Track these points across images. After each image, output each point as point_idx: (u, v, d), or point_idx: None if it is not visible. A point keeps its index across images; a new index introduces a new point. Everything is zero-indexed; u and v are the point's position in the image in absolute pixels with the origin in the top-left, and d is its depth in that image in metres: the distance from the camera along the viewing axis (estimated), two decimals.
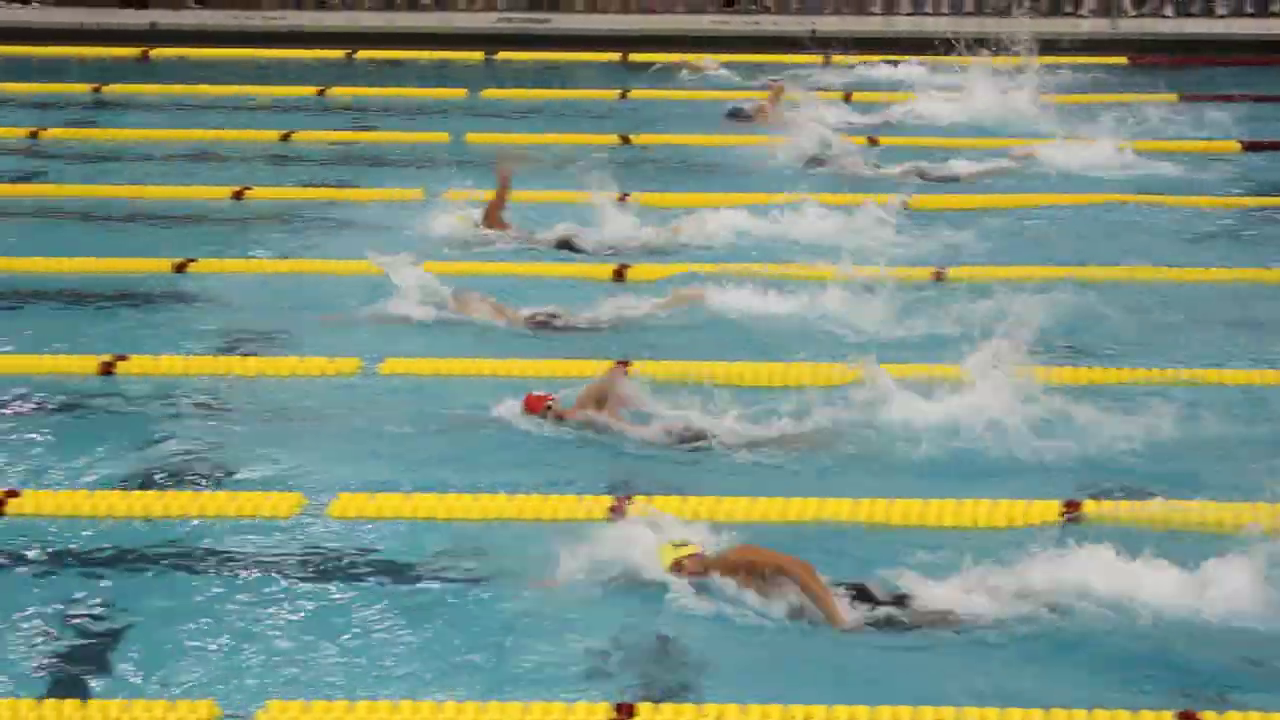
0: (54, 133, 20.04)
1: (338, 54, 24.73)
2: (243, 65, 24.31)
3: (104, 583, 9.29)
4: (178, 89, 22.76)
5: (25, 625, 8.87)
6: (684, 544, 9.00)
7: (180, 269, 14.64)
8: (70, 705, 7.93)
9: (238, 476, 10.58)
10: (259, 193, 17.15)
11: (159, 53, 25.15)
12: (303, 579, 9.27)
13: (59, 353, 12.65)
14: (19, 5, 27.39)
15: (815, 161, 18.10)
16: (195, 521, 9.93)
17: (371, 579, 9.27)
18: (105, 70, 23.97)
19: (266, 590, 9.16)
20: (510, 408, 11.21)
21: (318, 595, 9.13)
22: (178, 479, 10.50)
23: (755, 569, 8.76)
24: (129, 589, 9.24)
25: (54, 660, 8.55)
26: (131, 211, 16.46)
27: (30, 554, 9.60)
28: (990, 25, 24.24)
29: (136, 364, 12.36)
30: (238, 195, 17.02)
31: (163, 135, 20.02)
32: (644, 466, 10.70)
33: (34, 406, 11.78)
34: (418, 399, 11.80)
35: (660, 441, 10.90)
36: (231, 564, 9.45)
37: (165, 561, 9.48)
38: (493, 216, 15.41)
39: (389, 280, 13.36)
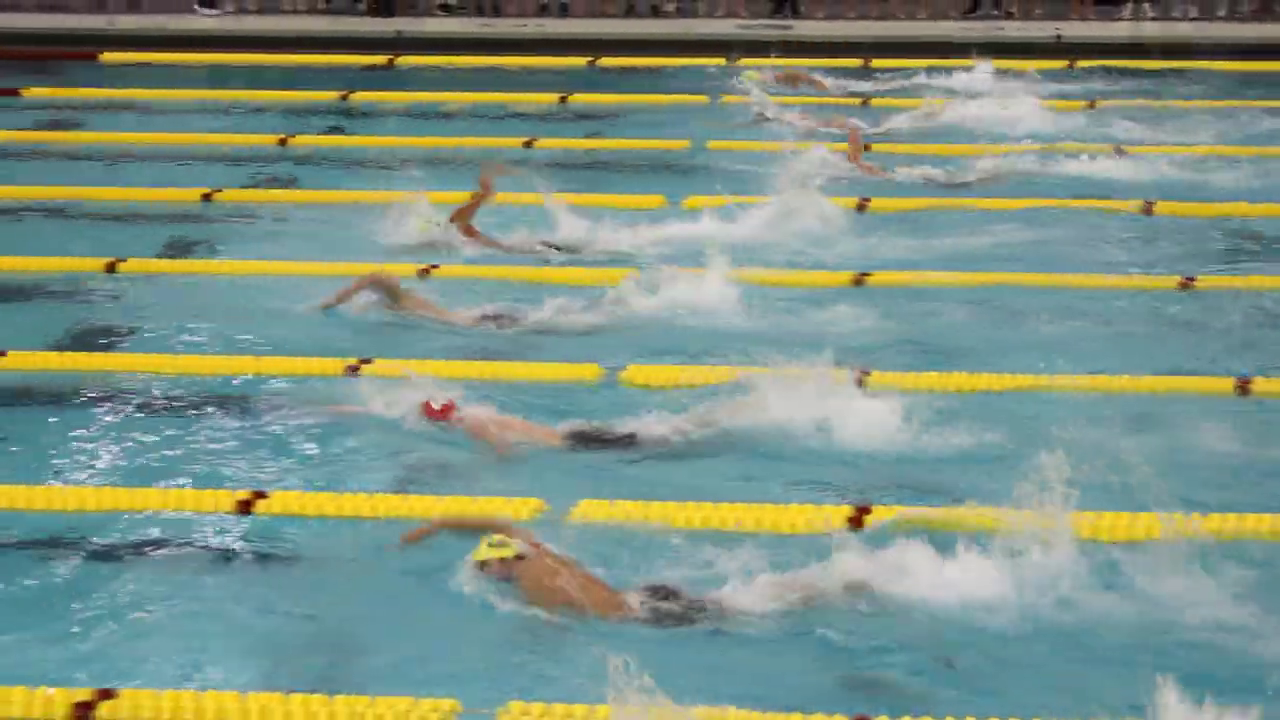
0: (302, 139, 20.45)
1: (580, 61, 24.92)
2: (486, 72, 24.57)
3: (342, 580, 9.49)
4: (422, 96, 23.10)
5: (276, 619, 9.10)
6: (504, 544, 8.97)
7: (424, 274, 14.85)
8: (317, 700, 8.06)
9: None
10: (501, 199, 17.29)
11: (404, 60, 25.56)
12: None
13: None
14: (261, 14, 28.01)
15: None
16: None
17: None
18: (353, 78, 24.41)
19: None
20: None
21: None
22: None
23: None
24: (372, 587, 9.42)
25: (300, 654, 8.73)
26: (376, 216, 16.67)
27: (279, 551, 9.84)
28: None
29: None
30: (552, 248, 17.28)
31: (407, 142, 20.32)
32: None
33: None
34: None
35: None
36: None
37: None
38: (462, 220, 15.59)
39: None
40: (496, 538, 8.99)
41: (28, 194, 17.77)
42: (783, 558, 9.26)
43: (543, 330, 13.38)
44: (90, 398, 12.12)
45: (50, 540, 9.93)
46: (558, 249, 15.44)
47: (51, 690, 8.16)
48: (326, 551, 9.77)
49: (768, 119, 20.46)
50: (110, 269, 15.06)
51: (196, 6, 28.64)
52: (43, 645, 8.81)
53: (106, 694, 8.17)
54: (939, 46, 24.98)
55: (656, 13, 28.81)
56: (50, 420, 11.88)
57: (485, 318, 13.59)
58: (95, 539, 9.93)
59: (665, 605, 8.82)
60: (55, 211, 17.09)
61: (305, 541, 9.88)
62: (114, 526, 10.07)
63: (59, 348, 13.18)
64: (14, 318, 14.06)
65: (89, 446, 11.36)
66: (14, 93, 23.16)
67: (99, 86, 23.86)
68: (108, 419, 11.77)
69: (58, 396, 12.19)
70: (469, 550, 9.08)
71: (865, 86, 22.91)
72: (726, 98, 22.07)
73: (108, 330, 13.74)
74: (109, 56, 25.73)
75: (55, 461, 11.14)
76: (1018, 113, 20.71)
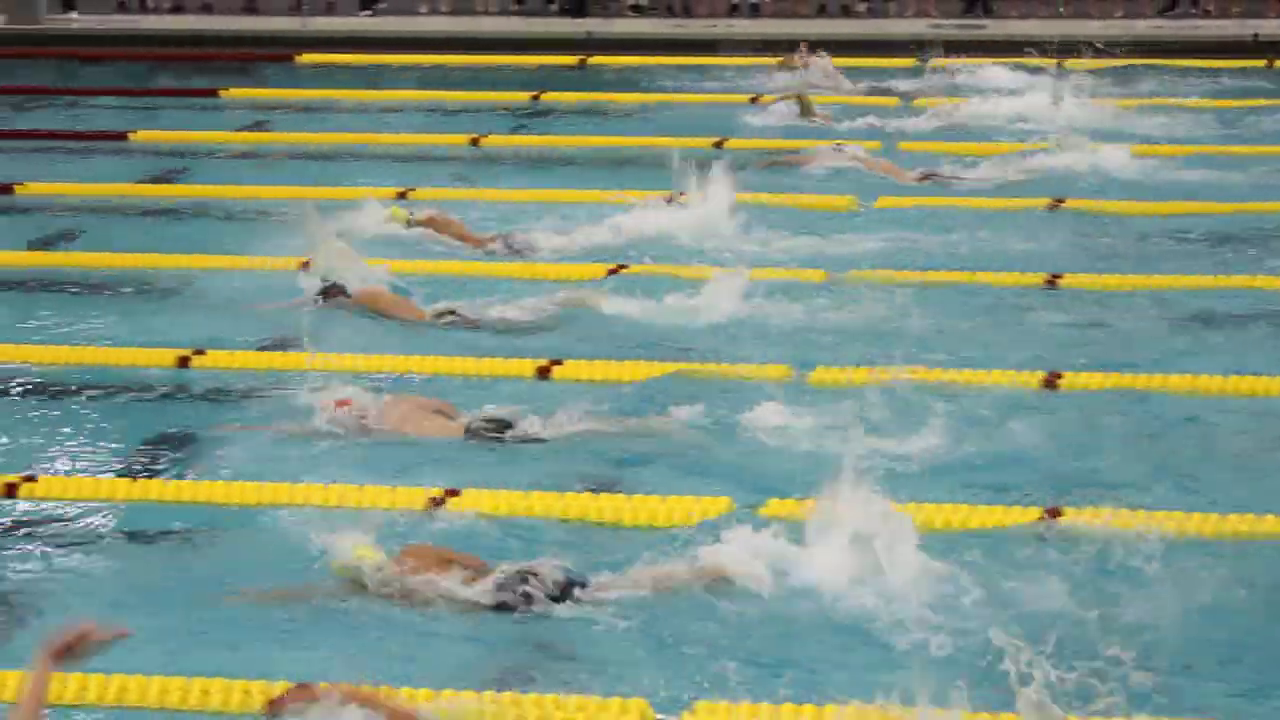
0: (494, 140, 20.61)
1: (770, 61, 24.76)
2: (676, 72, 24.61)
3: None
4: (613, 97, 23.21)
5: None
6: (364, 548, 9.15)
7: (613, 272, 14.92)
8: (506, 698, 8.12)
9: None
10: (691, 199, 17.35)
11: (595, 60, 25.69)
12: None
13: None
14: (454, 15, 28.28)
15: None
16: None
17: None
18: (544, 78, 24.57)
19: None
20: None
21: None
22: None
23: None
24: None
25: (490, 656, 8.76)
26: (565, 216, 16.76)
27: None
28: None
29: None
30: (669, 200, 17.25)
31: (597, 141, 20.42)
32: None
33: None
34: None
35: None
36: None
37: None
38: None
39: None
40: (364, 543, 9.20)
41: (226, 193, 18.10)
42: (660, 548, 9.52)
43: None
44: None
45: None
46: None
47: (249, 684, 8.31)
48: None
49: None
50: (305, 267, 15.30)
51: (360, 11, 29.06)
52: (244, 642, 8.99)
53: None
54: (1139, 46, 24.64)
55: (847, 13, 28.72)
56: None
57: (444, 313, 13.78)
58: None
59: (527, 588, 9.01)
60: (251, 212, 17.37)
61: None
62: None
63: (260, 347, 13.39)
64: (211, 319, 14.28)
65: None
66: (213, 93, 23.60)
67: (295, 87, 24.25)
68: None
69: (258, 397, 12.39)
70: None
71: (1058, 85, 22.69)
72: (918, 100, 21.96)
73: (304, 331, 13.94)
74: (305, 58, 26.12)
75: None
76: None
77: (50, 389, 12.53)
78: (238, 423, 11.79)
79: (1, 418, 12.04)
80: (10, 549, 9.92)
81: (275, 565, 9.52)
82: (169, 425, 11.87)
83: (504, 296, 14.08)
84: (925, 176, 18.07)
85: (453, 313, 13.75)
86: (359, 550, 9.17)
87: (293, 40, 26.93)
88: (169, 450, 11.40)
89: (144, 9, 29.90)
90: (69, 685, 8.08)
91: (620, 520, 10.16)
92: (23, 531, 10.16)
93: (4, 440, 11.62)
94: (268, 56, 26.45)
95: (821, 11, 28.57)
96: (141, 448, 11.44)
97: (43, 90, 24.66)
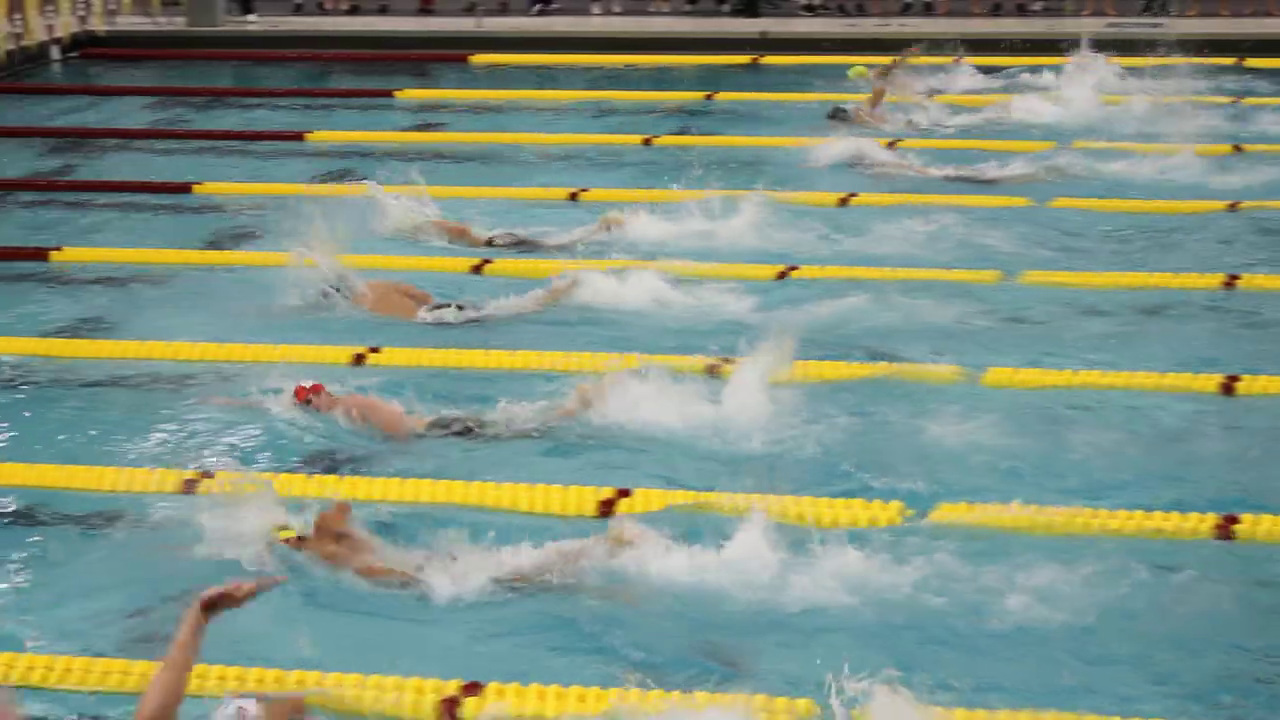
0: (667, 139, 20.60)
1: (946, 60, 24.59)
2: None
3: None
4: (786, 96, 23.10)
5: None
6: (286, 528, 9.65)
7: (782, 275, 14.86)
8: (678, 696, 8.19)
9: None
10: (864, 199, 17.27)
11: (769, 60, 25.62)
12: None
13: None
14: (627, 16, 28.32)
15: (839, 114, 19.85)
16: None
17: None
18: (717, 77, 24.53)
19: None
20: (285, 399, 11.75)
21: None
22: None
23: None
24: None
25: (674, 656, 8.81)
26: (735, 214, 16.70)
27: None
28: None
29: None
30: (843, 202, 17.17)
31: (771, 142, 20.34)
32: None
33: None
34: None
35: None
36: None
37: None
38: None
39: None
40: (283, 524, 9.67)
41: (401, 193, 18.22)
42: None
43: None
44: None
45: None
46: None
47: (421, 682, 8.36)
48: None
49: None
50: (476, 270, 15.39)
51: (532, 12, 29.18)
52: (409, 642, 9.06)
53: (472, 689, 8.33)
54: None
55: (1023, 11, 28.41)
56: None
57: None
58: None
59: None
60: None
61: None
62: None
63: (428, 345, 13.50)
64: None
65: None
66: (388, 94, 23.79)
67: (468, 88, 24.39)
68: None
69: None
70: None
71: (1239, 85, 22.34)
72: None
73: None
74: (478, 58, 26.26)
75: None
76: None
77: None
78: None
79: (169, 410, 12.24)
80: None
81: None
82: None
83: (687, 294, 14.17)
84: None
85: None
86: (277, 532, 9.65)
87: (466, 41, 27.10)
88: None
89: (321, 11, 30.23)
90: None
91: None
92: None
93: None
94: (441, 57, 26.64)
95: (996, 10, 28.29)
96: None
97: (221, 91, 25.02)
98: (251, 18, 29.17)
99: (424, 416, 11.68)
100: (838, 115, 20.67)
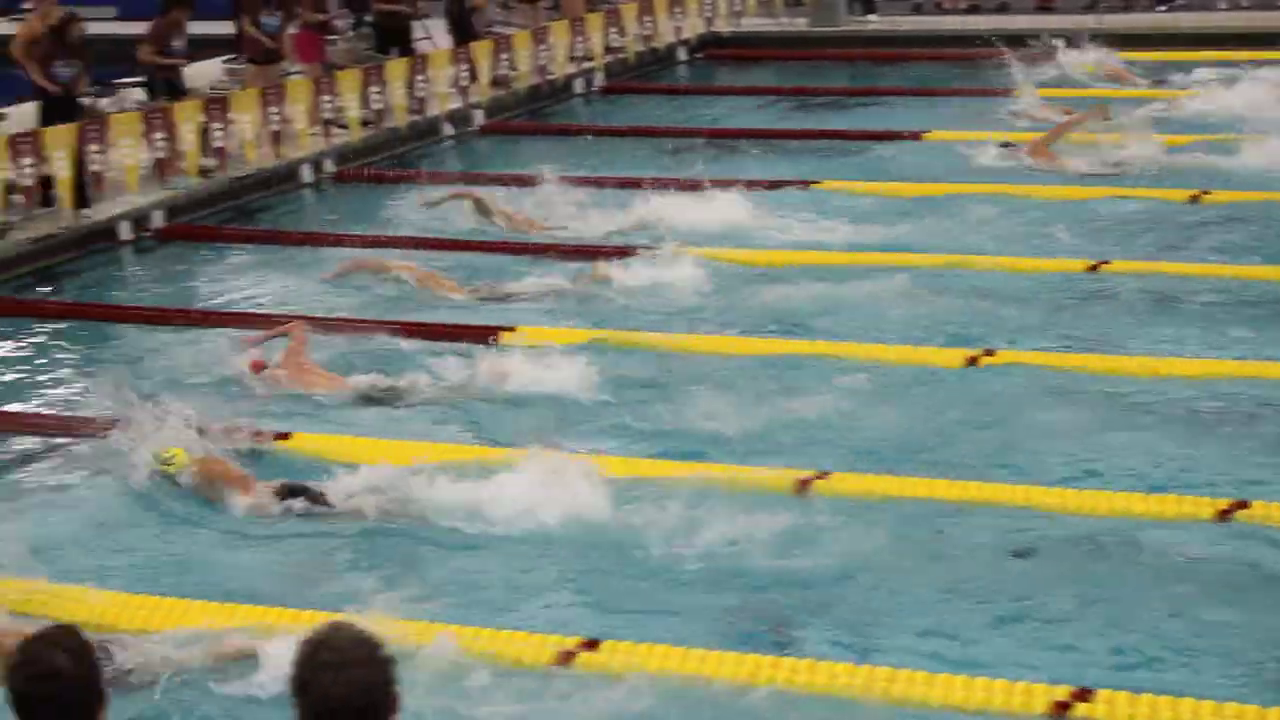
0: None
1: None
2: None
3: None
4: None
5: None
6: (169, 462, 11.35)
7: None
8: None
9: None
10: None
11: None
12: None
13: None
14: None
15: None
16: None
17: None
18: None
19: None
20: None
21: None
22: None
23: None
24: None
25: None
26: None
27: None
28: None
29: None
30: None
31: None
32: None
33: None
34: None
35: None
36: None
37: None
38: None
39: None
40: (164, 454, 11.39)
41: (1014, 191, 18.31)
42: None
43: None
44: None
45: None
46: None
47: (1031, 685, 8.43)
48: None
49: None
50: (1092, 269, 15.33)
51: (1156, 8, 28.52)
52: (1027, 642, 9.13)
53: (1083, 694, 8.34)
54: None
55: None
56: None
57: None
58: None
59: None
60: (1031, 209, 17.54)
61: None
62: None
63: (1046, 348, 13.53)
64: (1013, 316, 14.50)
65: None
66: (1006, 93, 23.66)
67: (1090, 88, 23.95)
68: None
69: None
70: None
71: None
72: None
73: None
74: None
75: None
76: None
77: None
78: None
79: None
80: None
81: None
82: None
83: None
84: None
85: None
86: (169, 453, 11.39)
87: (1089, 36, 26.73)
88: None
89: (939, 10, 30.38)
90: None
91: None
92: None
93: None
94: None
95: None
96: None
97: (839, 91, 25.40)
98: (873, 18, 29.55)
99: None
100: (1007, 147, 19.89)
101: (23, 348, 15.01)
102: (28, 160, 17.38)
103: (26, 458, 12.50)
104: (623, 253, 16.25)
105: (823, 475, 10.98)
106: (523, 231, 17.42)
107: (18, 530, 10.68)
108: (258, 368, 13.49)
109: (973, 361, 13.07)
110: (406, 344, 14.00)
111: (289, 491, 11.09)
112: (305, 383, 13.27)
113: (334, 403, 13.03)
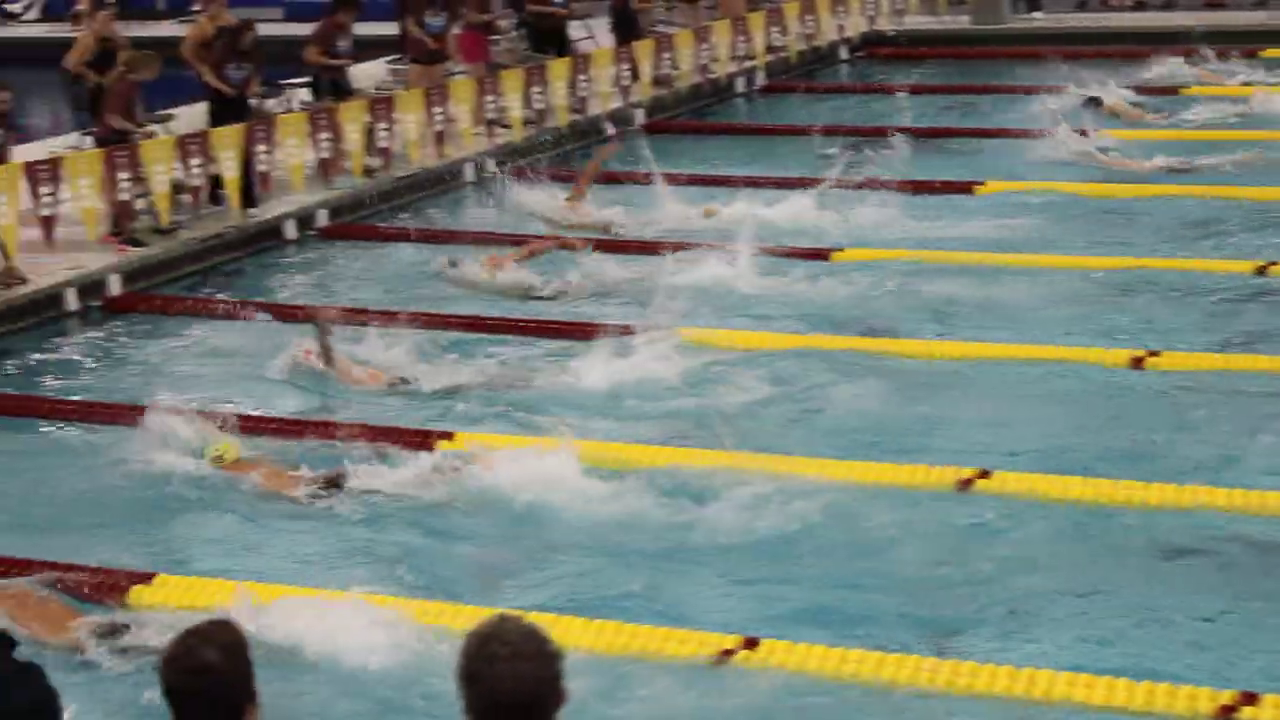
0: None
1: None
2: None
3: None
4: None
5: None
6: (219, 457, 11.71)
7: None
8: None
9: None
10: None
11: None
12: None
13: None
14: None
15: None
16: None
17: None
18: None
19: None
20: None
21: None
22: None
23: None
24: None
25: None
26: None
27: None
28: None
29: None
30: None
31: None
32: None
33: None
34: None
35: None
36: None
37: None
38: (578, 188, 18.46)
39: None
40: (213, 449, 11.76)
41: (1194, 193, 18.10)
42: None
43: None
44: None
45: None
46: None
47: (1195, 689, 8.33)
48: None
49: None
50: (1260, 271, 15.11)
51: None
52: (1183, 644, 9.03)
53: (1250, 698, 8.23)
54: None
55: None
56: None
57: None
58: None
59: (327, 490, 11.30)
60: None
61: None
62: None
63: (1214, 348, 13.38)
64: (1176, 317, 14.35)
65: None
66: (1173, 92, 23.38)
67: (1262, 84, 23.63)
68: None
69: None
70: None
71: None
72: None
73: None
74: (1270, 52, 25.45)
75: None
76: None
77: None
78: None
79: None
80: None
81: None
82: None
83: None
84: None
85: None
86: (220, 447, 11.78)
87: (1255, 35, 26.37)
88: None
89: (1105, 7, 30.06)
90: None
91: None
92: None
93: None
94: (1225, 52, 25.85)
95: None
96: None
97: (1000, 89, 25.20)
98: (1038, 15, 29.27)
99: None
100: (1091, 103, 20.62)
101: (185, 344, 15.20)
102: (196, 160, 17.64)
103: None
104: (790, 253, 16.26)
105: (985, 474, 10.90)
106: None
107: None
108: (305, 356, 13.79)
109: (1138, 363, 12.93)
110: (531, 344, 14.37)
111: (329, 482, 11.30)
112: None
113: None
